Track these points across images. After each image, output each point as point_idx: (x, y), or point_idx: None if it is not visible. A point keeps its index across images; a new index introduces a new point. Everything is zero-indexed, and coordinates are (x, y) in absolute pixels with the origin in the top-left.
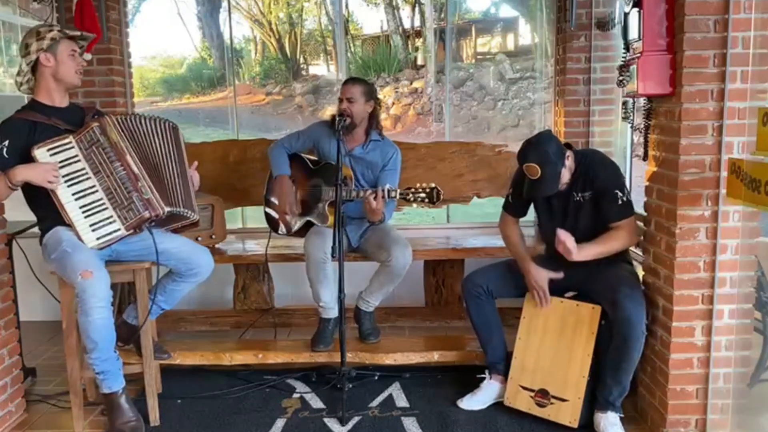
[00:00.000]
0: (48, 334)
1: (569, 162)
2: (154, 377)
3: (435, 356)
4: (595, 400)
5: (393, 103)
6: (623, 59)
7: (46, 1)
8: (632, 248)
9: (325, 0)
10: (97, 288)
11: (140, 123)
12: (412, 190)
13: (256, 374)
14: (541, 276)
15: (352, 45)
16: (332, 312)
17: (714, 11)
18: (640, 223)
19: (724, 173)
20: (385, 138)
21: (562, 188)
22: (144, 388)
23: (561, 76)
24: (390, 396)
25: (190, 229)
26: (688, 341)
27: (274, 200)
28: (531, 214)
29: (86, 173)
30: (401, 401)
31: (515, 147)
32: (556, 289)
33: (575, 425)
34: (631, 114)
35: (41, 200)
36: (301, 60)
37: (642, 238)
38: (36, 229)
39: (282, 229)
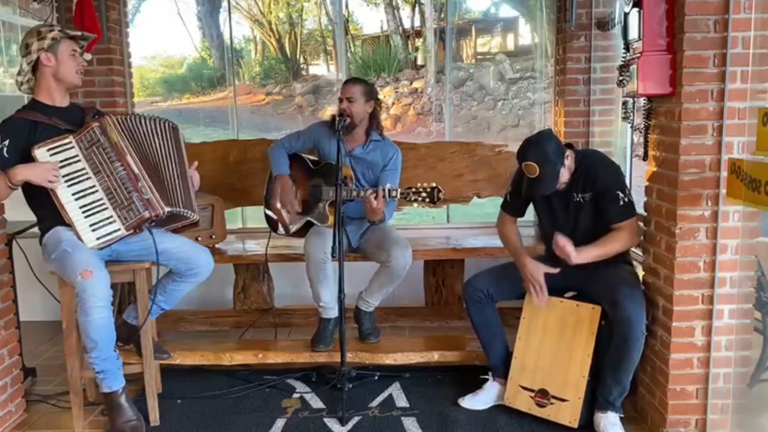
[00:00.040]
0: (48, 334)
1: (569, 162)
2: (154, 377)
3: (435, 356)
4: (595, 400)
5: (393, 103)
6: (623, 59)
7: (46, 1)
8: (632, 248)
9: (325, 0)
10: (96, 287)
11: (140, 123)
12: (413, 189)
13: (256, 374)
14: (537, 269)
15: (352, 45)
16: (332, 312)
17: (714, 11)
18: (641, 224)
19: (724, 173)
20: (386, 138)
21: (561, 188)
22: (144, 388)
23: (561, 76)
24: (390, 396)
25: (190, 229)
26: (688, 341)
27: (275, 201)
28: (531, 214)
29: (86, 173)
30: (401, 401)
31: (515, 147)
32: (556, 289)
33: (575, 425)
34: (631, 114)
35: (41, 200)
36: (301, 60)
37: (642, 238)
38: (36, 229)
39: (281, 229)
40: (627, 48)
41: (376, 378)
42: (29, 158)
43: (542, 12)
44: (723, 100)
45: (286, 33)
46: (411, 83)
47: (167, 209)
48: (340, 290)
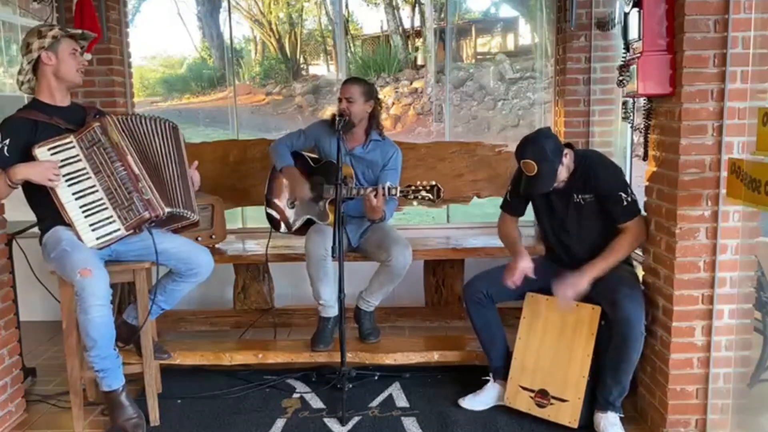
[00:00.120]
0: (48, 334)
1: (567, 160)
2: (154, 377)
3: (435, 356)
4: (595, 401)
5: (393, 103)
6: (623, 59)
7: (46, 1)
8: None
9: (325, 0)
10: (96, 286)
11: (141, 123)
12: (413, 187)
13: (256, 374)
14: (525, 265)
15: (352, 45)
16: (332, 310)
17: (714, 11)
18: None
19: (724, 173)
20: (386, 138)
21: (559, 186)
22: (144, 388)
23: (561, 76)
24: (390, 396)
25: (190, 229)
26: (688, 341)
27: (284, 194)
28: (531, 213)
29: (87, 173)
30: (401, 401)
31: (515, 147)
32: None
33: (575, 425)
34: (631, 114)
35: (41, 199)
36: (301, 60)
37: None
38: (36, 229)
39: (283, 227)
40: (627, 48)
41: (376, 378)
42: (30, 157)
43: (542, 12)
44: (723, 100)
45: (286, 33)
46: (411, 83)
47: (167, 210)
48: (340, 290)
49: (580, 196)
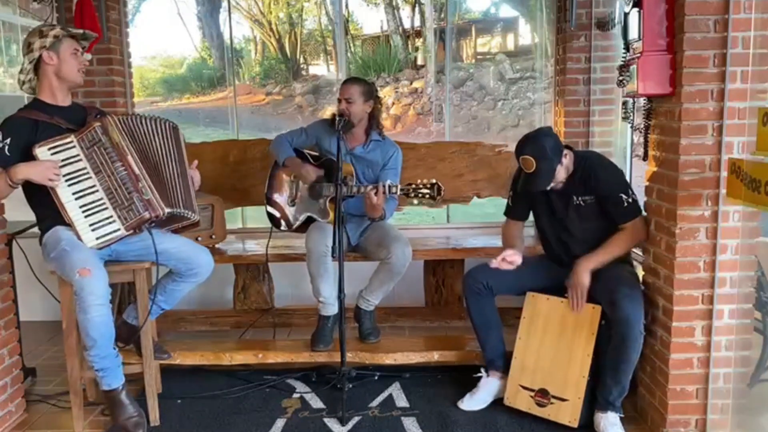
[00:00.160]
0: (48, 334)
1: (566, 161)
2: (154, 377)
3: (435, 356)
4: (595, 400)
5: (393, 103)
6: (623, 59)
7: (46, 1)
8: (633, 248)
9: (325, 0)
10: (95, 286)
11: (141, 123)
12: (413, 186)
13: (256, 374)
14: (509, 252)
15: (352, 45)
16: (332, 308)
17: (714, 11)
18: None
19: (724, 173)
20: (387, 138)
21: (557, 186)
22: (144, 388)
23: (561, 76)
24: (390, 396)
25: (191, 230)
26: (688, 341)
27: (284, 192)
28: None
29: (87, 173)
30: (401, 401)
31: (515, 147)
32: (557, 289)
33: (575, 425)
34: (631, 114)
35: (41, 199)
36: (301, 60)
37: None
38: (36, 229)
39: (283, 225)
40: (627, 48)
41: (376, 378)
42: (30, 157)
43: (542, 12)
44: (723, 100)
45: (286, 33)
46: (411, 83)
47: (167, 210)
48: (340, 290)
49: (580, 198)
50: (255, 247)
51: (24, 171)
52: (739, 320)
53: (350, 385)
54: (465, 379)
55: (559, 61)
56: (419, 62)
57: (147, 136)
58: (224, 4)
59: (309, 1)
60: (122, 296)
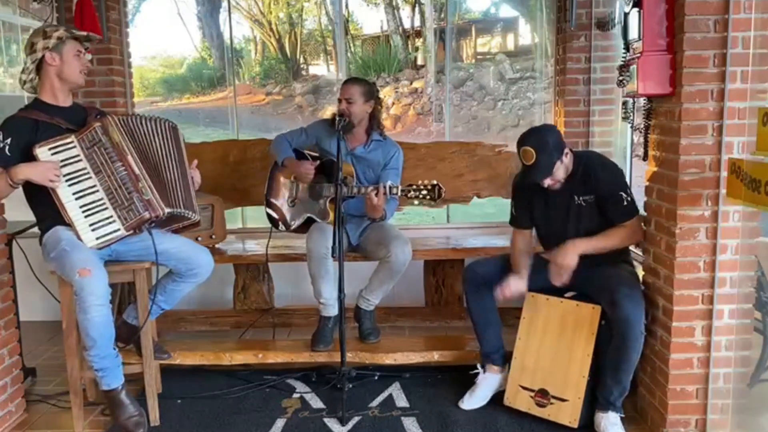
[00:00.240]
0: (48, 334)
1: (567, 159)
2: (154, 377)
3: (435, 356)
4: (595, 400)
5: (393, 103)
6: (623, 59)
7: (46, 1)
8: (632, 248)
9: (325, 0)
10: (95, 286)
11: (141, 123)
12: (414, 186)
13: (256, 374)
14: (517, 287)
15: (352, 45)
16: (332, 309)
17: (714, 11)
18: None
19: (724, 173)
20: (388, 138)
21: (555, 186)
22: (144, 388)
23: (561, 76)
24: (390, 396)
25: (191, 230)
26: (688, 341)
27: (283, 193)
28: None
29: (87, 173)
30: (401, 401)
31: (515, 147)
32: (557, 289)
33: (575, 425)
34: (631, 114)
35: (41, 199)
36: (301, 60)
37: (643, 237)
38: (36, 229)
39: (282, 226)
40: (627, 48)
41: (376, 378)
42: (31, 157)
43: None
44: (723, 100)
45: (286, 33)
46: (411, 83)
47: (167, 210)
48: (340, 290)
49: (581, 198)
50: (255, 247)
51: (24, 171)
52: (739, 320)
53: (350, 385)
54: (465, 379)
55: (559, 61)
56: (419, 62)
57: (147, 136)
58: (224, 4)
59: (309, 1)
60: (122, 296)
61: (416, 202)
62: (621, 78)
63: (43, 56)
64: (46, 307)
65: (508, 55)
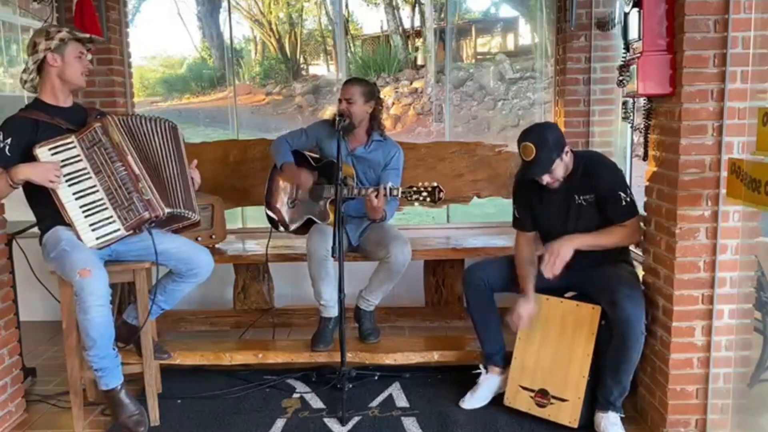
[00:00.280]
0: (48, 334)
1: (566, 158)
2: (154, 377)
3: (435, 356)
4: (595, 400)
5: (393, 103)
6: (623, 59)
7: (46, 1)
8: (632, 248)
9: (325, 0)
10: (95, 286)
11: (141, 123)
12: (414, 188)
13: (256, 374)
14: (525, 309)
15: (352, 45)
16: (333, 311)
17: (714, 11)
18: (641, 223)
19: (724, 173)
20: (388, 138)
21: (554, 185)
22: (144, 388)
23: (561, 76)
24: (390, 396)
25: (191, 230)
26: (688, 341)
27: (282, 195)
28: None
29: (87, 173)
30: (401, 401)
31: (515, 147)
32: (556, 289)
33: (575, 425)
34: (631, 114)
35: (41, 199)
36: (301, 60)
37: (642, 238)
38: (36, 229)
39: (281, 228)
40: (627, 48)
41: (376, 378)
42: (31, 157)
43: (542, 12)
44: (723, 100)
45: (286, 33)
46: (411, 83)
47: (167, 210)
48: (340, 290)
49: (581, 197)
50: (255, 247)
51: (25, 172)
52: (739, 320)
53: (350, 385)
54: (465, 378)
55: (559, 61)
56: (419, 62)
57: (147, 136)
58: (224, 4)
59: (309, 1)
60: (122, 296)
61: (416, 203)
62: (621, 78)
63: (45, 57)
64: (46, 307)
65: (508, 55)
